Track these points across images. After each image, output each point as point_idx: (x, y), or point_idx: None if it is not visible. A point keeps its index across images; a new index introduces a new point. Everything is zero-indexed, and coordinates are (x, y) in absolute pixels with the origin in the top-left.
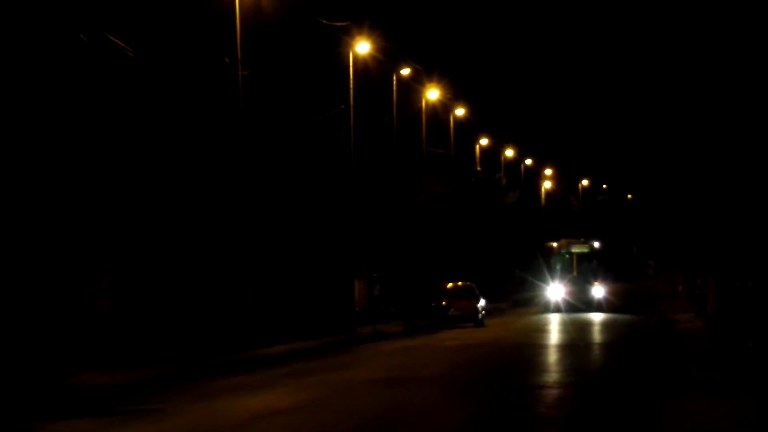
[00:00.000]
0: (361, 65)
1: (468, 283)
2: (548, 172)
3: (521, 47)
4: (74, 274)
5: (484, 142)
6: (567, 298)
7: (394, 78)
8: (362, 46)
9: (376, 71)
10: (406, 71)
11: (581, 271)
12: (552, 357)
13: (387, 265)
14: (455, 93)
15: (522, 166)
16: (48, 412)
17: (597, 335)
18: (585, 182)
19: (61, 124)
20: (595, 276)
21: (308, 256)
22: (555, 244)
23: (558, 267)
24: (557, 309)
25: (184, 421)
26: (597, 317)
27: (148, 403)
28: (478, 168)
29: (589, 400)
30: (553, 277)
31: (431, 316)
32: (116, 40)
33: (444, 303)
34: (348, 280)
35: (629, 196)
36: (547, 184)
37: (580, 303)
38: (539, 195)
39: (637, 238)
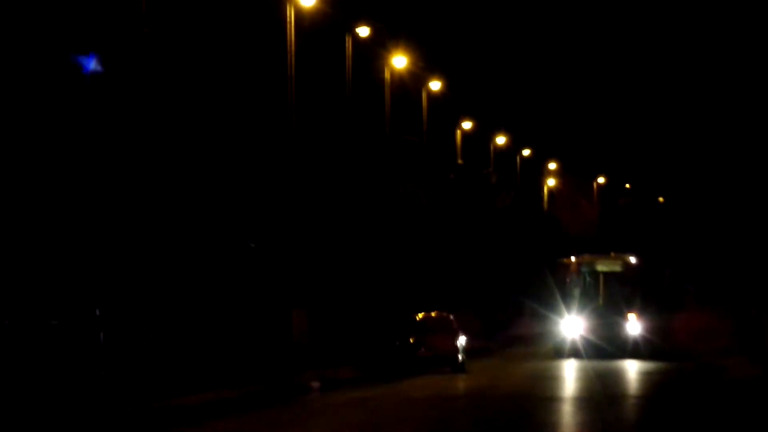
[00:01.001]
0: (306, 21)
1: (444, 313)
2: (552, 167)
3: (514, 7)
4: None
5: (467, 126)
6: (589, 336)
7: (349, 41)
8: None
9: (326, 31)
10: (364, 31)
11: (611, 299)
12: (563, 416)
13: (334, 288)
14: (429, 63)
15: (518, 158)
16: None
17: (627, 385)
18: (601, 180)
19: None
20: (629, 305)
21: (226, 278)
22: (573, 260)
23: (576, 293)
24: (574, 353)
25: None
26: (633, 366)
27: None
28: (460, 161)
29: None
30: (568, 307)
31: (395, 358)
32: None
33: (412, 340)
34: (284, 310)
35: (660, 199)
36: (551, 183)
37: (608, 344)
38: (541, 197)
39: (672, 257)
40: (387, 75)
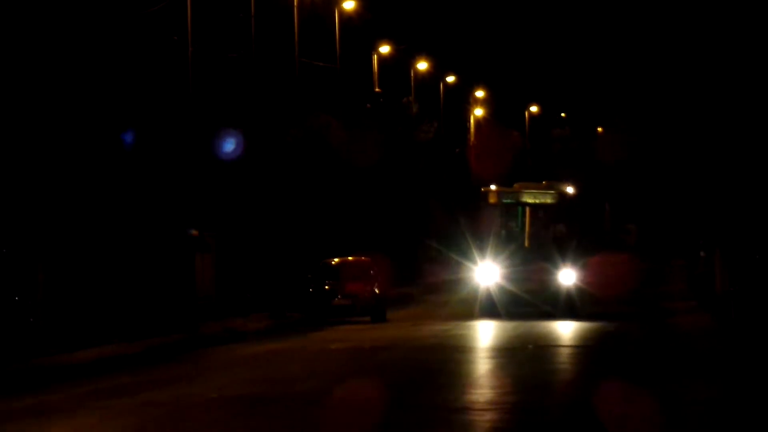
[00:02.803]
0: None
1: (362, 258)
2: (480, 94)
3: None
4: None
5: (385, 51)
6: (511, 287)
7: None
8: None
9: None
10: None
11: (539, 240)
12: (483, 366)
13: (241, 231)
14: None
15: (441, 86)
16: None
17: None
18: (534, 109)
19: None
20: (563, 249)
21: (124, 219)
22: (493, 190)
23: (500, 232)
24: (490, 309)
25: None
26: (562, 326)
27: None
28: (377, 89)
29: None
30: (486, 251)
31: (309, 306)
32: None
33: (327, 287)
34: (186, 255)
35: (599, 129)
36: (478, 113)
37: (535, 298)
38: (467, 128)
39: (611, 192)
40: None
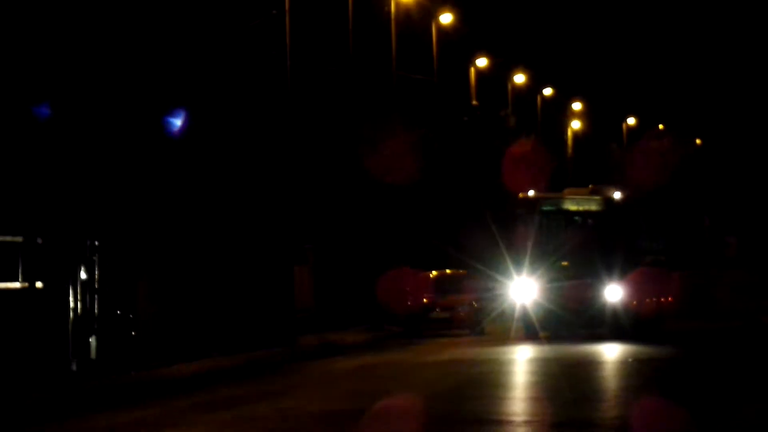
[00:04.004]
0: None
1: (460, 271)
2: (577, 106)
3: None
4: None
5: (482, 64)
6: (550, 306)
7: None
8: None
9: None
10: None
11: (582, 252)
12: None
13: (338, 243)
14: None
15: (539, 98)
16: None
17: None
18: (631, 121)
19: None
20: (609, 262)
21: (224, 232)
22: (531, 196)
23: (535, 243)
24: (530, 331)
25: None
26: (603, 351)
27: None
28: (475, 102)
29: None
30: (520, 265)
31: (407, 319)
32: None
33: (426, 300)
34: (285, 267)
35: (698, 141)
36: (575, 125)
37: (575, 317)
38: (565, 141)
39: (711, 205)
40: (392, 6)
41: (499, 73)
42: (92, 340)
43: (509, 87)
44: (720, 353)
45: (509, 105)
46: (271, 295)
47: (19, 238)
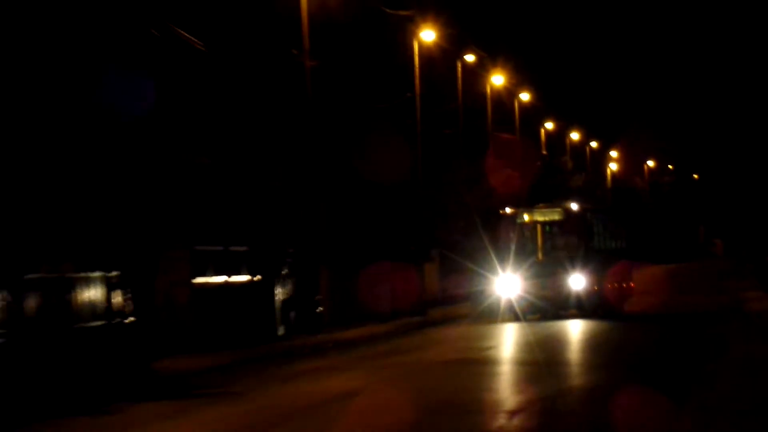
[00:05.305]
0: (426, 53)
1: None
2: (614, 154)
3: (584, 30)
4: (152, 265)
5: (549, 126)
6: (527, 295)
7: (459, 65)
8: (427, 34)
9: (441, 58)
10: (470, 57)
11: (550, 252)
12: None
13: (452, 250)
14: (520, 78)
15: (587, 148)
16: (133, 395)
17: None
18: (650, 163)
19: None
20: (573, 258)
21: (381, 239)
22: (508, 212)
23: (517, 247)
24: (509, 314)
25: (258, 404)
26: (568, 326)
27: (225, 387)
28: (544, 152)
29: None
30: (503, 263)
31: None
32: (187, 35)
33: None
34: (419, 264)
35: (695, 176)
36: (613, 166)
37: (543, 301)
38: (605, 177)
39: (705, 218)
40: (488, 89)
41: (560, 132)
42: (292, 314)
43: (567, 141)
44: (656, 326)
45: (567, 153)
46: (411, 283)
47: (244, 248)
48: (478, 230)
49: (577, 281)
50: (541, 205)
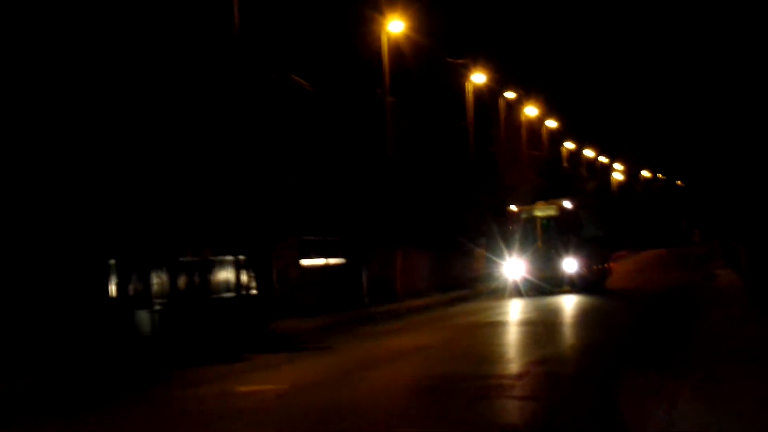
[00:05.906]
0: (477, 91)
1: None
2: (618, 166)
3: (604, 65)
4: (270, 251)
5: (569, 145)
6: (530, 276)
7: (501, 101)
8: (478, 77)
9: (488, 95)
10: (511, 94)
11: (548, 241)
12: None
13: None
14: (549, 108)
15: (597, 162)
16: (256, 348)
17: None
18: (645, 173)
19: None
20: (566, 246)
21: (441, 232)
22: (514, 209)
23: (518, 237)
24: (516, 292)
25: (351, 355)
26: (562, 300)
27: (324, 343)
28: (565, 164)
29: None
30: (511, 251)
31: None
32: (298, 79)
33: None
34: (464, 250)
35: (679, 182)
36: (617, 175)
37: (543, 282)
38: (611, 183)
39: (686, 214)
40: (522, 118)
41: (578, 149)
42: (374, 288)
43: (582, 157)
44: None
45: (584, 166)
46: (461, 264)
47: (338, 238)
48: (490, 224)
49: (570, 264)
50: (540, 203)
